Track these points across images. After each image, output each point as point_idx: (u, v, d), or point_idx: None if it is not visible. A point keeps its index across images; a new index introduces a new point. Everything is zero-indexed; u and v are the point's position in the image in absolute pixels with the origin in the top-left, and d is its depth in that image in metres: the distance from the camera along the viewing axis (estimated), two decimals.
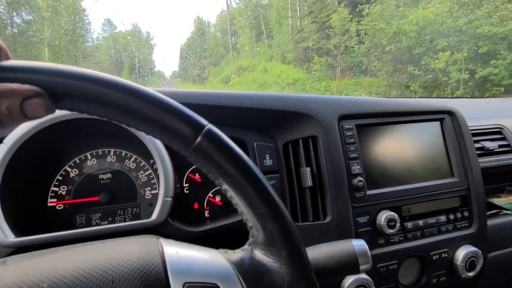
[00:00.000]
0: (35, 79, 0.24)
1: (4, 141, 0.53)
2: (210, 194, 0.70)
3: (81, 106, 0.25)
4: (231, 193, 0.28)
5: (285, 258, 0.28)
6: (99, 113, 0.26)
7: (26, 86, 0.24)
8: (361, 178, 0.64)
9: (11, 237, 0.50)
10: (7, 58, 0.25)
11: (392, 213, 0.64)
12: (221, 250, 0.31)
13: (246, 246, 0.31)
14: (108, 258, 0.26)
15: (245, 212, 0.28)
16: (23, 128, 0.53)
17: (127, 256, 0.26)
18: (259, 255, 0.29)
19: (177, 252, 0.28)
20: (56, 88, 0.24)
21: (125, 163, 0.68)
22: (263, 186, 0.28)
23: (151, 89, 0.26)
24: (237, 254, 0.30)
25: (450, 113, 0.76)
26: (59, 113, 0.56)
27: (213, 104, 0.63)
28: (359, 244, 0.40)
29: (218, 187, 0.70)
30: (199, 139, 0.26)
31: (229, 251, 0.31)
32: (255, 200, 0.27)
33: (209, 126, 0.27)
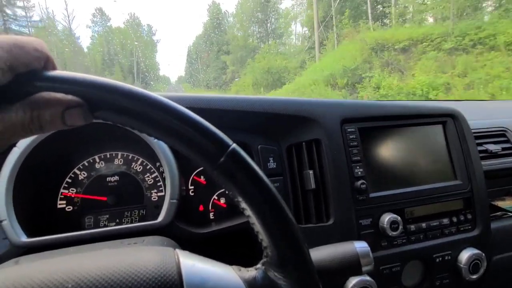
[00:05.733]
0: (78, 90, 0.25)
1: (17, 144, 0.54)
2: (215, 197, 0.71)
3: (115, 118, 0.27)
4: (249, 213, 0.29)
5: (297, 281, 0.29)
6: (132, 125, 0.27)
7: (69, 96, 0.25)
8: (364, 181, 0.65)
9: (23, 238, 0.52)
10: (54, 68, 0.26)
11: (395, 215, 0.64)
12: (234, 266, 0.32)
13: (259, 265, 0.32)
14: (128, 264, 0.26)
15: (261, 232, 0.29)
16: None
17: (146, 264, 0.27)
18: (272, 275, 0.30)
19: (193, 265, 0.29)
20: (95, 100, 0.26)
21: (132, 166, 0.69)
22: (282, 211, 0.29)
23: (181, 106, 0.27)
24: (250, 272, 0.31)
25: (453, 116, 0.77)
26: None
27: (217, 108, 0.64)
28: (361, 246, 0.41)
29: (222, 190, 0.71)
30: (223, 158, 0.27)
31: (242, 269, 0.32)
32: (273, 223, 0.28)
33: (234, 146, 0.28)
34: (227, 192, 0.29)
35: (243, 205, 0.29)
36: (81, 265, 0.26)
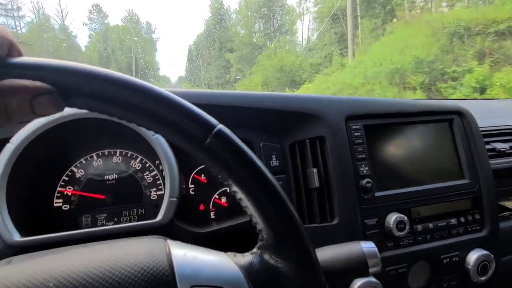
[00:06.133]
0: (46, 76, 0.24)
1: (11, 140, 0.53)
2: (215, 195, 0.70)
3: (91, 105, 0.25)
4: (240, 195, 0.27)
5: (295, 262, 0.28)
6: (109, 112, 0.26)
7: (37, 83, 0.24)
8: (369, 179, 0.63)
9: (16, 237, 0.50)
10: (19, 54, 0.25)
11: (401, 215, 0.62)
12: (229, 253, 0.31)
13: (255, 250, 0.30)
14: (115, 259, 0.25)
15: (254, 215, 0.28)
16: (30, 128, 0.54)
17: (134, 258, 0.26)
18: (269, 259, 0.29)
19: (184, 254, 0.28)
20: (66, 86, 0.24)
21: (131, 164, 0.67)
22: (274, 189, 0.27)
23: (161, 88, 0.26)
24: (246, 257, 0.30)
25: (460, 113, 0.75)
26: (65, 113, 0.56)
27: (219, 104, 0.63)
28: (368, 246, 0.39)
29: (224, 188, 0.70)
30: (209, 139, 0.26)
31: (238, 254, 0.31)
32: (265, 203, 0.27)
33: (220, 126, 0.26)
34: (214, 174, 0.27)
35: (234, 187, 0.27)
36: (65, 263, 0.24)
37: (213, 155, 0.26)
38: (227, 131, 0.27)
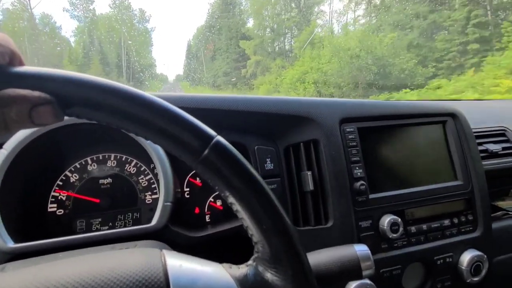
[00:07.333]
0: (45, 86, 0.24)
1: (4, 146, 0.53)
2: (211, 199, 0.70)
3: (89, 114, 0.25)
4: (237, 207, 0.28)
5: (290, 277, 0.28)
6: (107, 122, 0.26)
7: (36, 93, 0.24)
8: (363, 182, 0.63)
9: (10, 243, 0.50)
10: (21, 64, 0.25)
11: (395, 217, 0.63)
12: (224, 264, 0.31)
13: (250, 262, 0.31)
14: (110, 269, 0.25)
15: (250, 227, 0.28)
16: (23, 133, 0.53)
17: (130, 268, 0.26)
18: (264, 271, 0.29)
19: (180, 265, 0.28)
20: (65, 96, 0.24)
21: (126, 168, 0.67)
22: (271, 202, 0.27)
23: (159, 98, 0.26)
24: (241, 269, 0.30)
25: (453, 115, 0.76)
26: None
27: (213, 108, 0.63)
28: (361, 249, 0.40)
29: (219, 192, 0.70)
30: (206, 151, 0.26)
31: (233, 266, 0.31)
32: (262, 216, 0.27)
33: (218, 138, 0.27)
34: (212, 185, 0.28)
35: (231, 199, 0.27)
36: (60, 273, 0.24)
37: (210, 167, 0.26)
38: (225, 142, 0.27)
